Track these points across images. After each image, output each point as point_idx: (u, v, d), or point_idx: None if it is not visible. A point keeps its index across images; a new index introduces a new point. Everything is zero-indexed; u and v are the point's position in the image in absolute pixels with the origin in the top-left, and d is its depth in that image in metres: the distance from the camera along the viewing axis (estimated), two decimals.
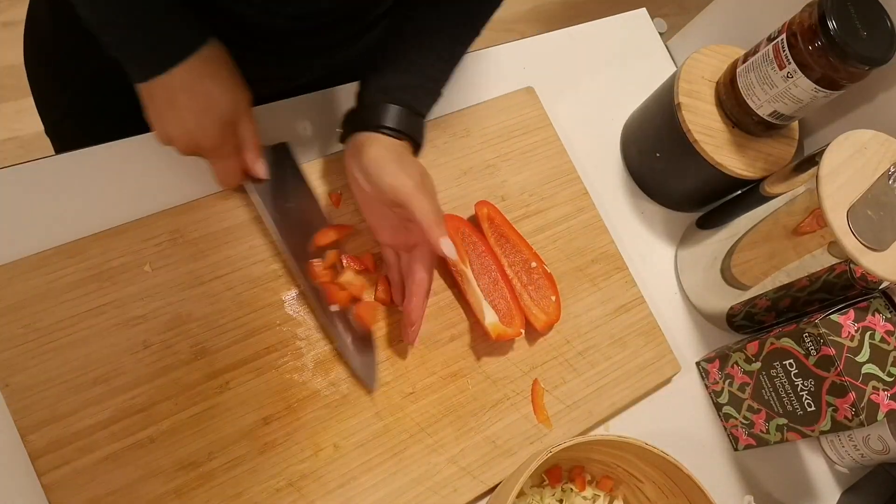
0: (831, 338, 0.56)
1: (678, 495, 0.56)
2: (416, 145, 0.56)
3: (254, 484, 0.50)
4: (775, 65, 0.61)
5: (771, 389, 0.62)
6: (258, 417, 0.52)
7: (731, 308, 0.68)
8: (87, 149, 0.55)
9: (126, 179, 0.56)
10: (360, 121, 0.54)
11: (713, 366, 0.68)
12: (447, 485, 0.55)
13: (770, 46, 0.62)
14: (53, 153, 0.66)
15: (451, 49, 0.57)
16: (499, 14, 0.58)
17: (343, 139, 0.56)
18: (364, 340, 0.56)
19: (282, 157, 0.59)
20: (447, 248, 0.50)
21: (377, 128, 0.53)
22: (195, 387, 0.51)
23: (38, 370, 0.48)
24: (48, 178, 0.53)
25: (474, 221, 0.63)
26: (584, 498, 0.58)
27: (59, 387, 0.48)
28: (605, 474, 0.59)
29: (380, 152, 0.52)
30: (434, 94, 0.57)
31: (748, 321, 0.68)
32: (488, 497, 0.57)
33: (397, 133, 0.53)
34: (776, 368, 0.61)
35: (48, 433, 0.47)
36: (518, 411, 0.59)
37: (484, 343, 0.60)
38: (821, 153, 0.58)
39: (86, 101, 0.65)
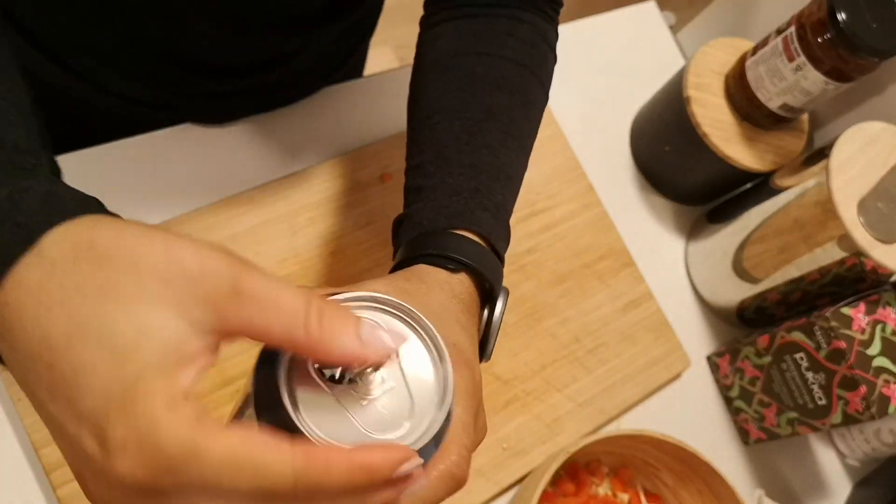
0: (842, 331, 0.56)
1: (695, 480, 0.57)
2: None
3: None
4: (785, 57, 0.60)
5: (782, 383, 0.62)
6: None
7: (742, 302, 0.68)
8: (78, 152, 0.54)
9: (126, 187, 0.55)
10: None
11: (723, 360, 0.68)
12: None
13: (779, 39, 0.61)
14: None
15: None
16: None
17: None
18: None
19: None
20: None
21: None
22: (206, 395, 0.51)
23: None
24: None
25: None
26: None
27: None
28: (622, 465, 0.60)
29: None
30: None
31: (759, 315, 0.68)
32: (501, 498, 0.57)
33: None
34: (787, 362, 0.61)
35: None
36: (530, 411, 0.59)
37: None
38: (831, 146, 0.58)
39: None
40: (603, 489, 0.58)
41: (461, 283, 0.35)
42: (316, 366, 0.25)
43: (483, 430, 0.33)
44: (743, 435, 0.68)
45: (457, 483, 0.28)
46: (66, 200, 0.25)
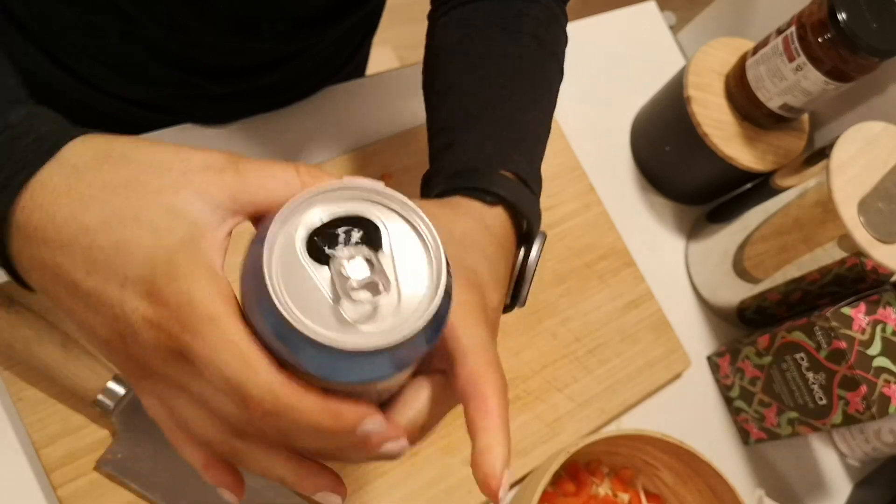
0: (842, 331, 0.56)
1: (695, 480, 0.57)
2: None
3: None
4: (785, 57, 0.60)
5: (782, 383, 0.62)
6: None
7: (743, 302, 0.68)
8: None
9: None
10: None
11: (724, 360, 0.68)
12: (461, 486, 0.55)
13: (780, 39, 0.61)
14: None
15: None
16: None
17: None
18: None
19: None
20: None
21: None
22: None
23: (50, 382, 0.48)
24: None
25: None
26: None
27: (72, 399, 0.48)
28: (622, 465, 0.60)
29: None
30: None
31: (759, 315, 0.68)
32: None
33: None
34: (787, 362, 0.61)
35: (63, 445, 0.47)
36: (531, 411, 0.59)
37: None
38: (831, 145, 0.58)
39: None
40: (603, 489, 0.58)
41: (496, 217, 0.35)
42: (305, 249, 0.25)
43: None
44: (743, 435, 0.68)
45: (501, 377, 0.29)
46: (75, 125, 0.28)
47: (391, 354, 0.24)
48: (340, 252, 0.25)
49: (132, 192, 0.25)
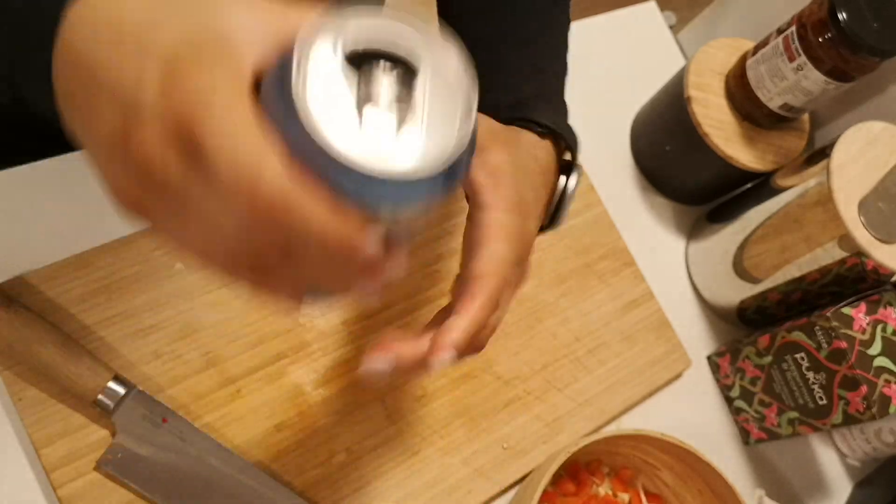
0: (843, 331, 0.56)
1: (696, 480, 0.57)
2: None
3: None
4: (785, 57, 0.60)
5: (782, 383, 0.62)
6: (270, 425, 0.52)
7: (743, 302, 0.68)
8: (75, 153, 0.54)
9: None
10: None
11: (724, 360, 0.68)
12: (461, 486, 0.55)
13: (780, 39, 0.61)
14: None
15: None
16: None
17: None
18: None
19: None
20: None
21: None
22: (207, 395, 0.51)
23: (50, 382, 0.48)
24: (47, 186, 0.53)
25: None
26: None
27: (73, 399, 0.48)
28: (622, 465, 0.60)
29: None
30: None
31: (759, 315, 0.68)
32: (502, 498, 0.57)
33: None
34: (787, 362, 0.61)
35: (63, 445, 0.47)
36: (530, 411, 0.59)
37: (494, 344, 0.60)
38: (832, 145, 0.58)
39: None
40: (603, 489, 0.58)
41: (544, 149, 0.39)
42: (340, 62, 0.24)
43: (524, 276, 0.37)
44: (743, 435, 0.68)
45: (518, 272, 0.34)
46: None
47: (405, 186, 0.24)
48: (374, 73, 0.25)
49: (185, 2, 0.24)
